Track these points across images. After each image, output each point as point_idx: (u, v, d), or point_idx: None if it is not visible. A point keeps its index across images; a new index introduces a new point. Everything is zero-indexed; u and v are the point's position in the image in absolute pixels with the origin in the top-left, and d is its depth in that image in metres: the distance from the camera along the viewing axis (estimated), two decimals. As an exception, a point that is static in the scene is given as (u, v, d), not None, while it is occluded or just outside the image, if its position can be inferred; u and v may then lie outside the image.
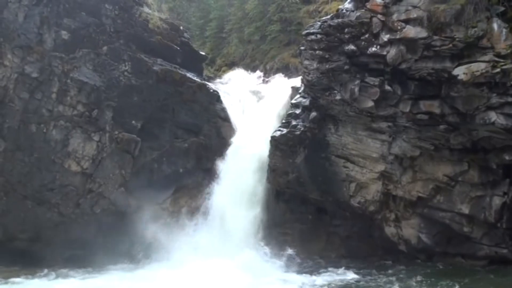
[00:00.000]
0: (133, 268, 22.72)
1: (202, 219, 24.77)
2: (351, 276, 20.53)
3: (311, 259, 23.08)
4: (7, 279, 20.80)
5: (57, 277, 21.38)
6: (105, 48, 25.07)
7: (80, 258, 23.20)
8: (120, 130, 24.67)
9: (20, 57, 23.63)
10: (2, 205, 23.31)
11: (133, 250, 23.40)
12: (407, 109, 20.51)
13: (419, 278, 19.22)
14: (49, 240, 23.58)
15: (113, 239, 23.32)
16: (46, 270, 21.91)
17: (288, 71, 32.53)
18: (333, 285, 19.48)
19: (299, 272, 21.58)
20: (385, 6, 20.10)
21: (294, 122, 24.00)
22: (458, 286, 17.59)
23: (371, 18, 20.30)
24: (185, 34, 29.67)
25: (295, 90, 25.82)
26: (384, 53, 20.13)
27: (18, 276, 21.10)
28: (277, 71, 34.25)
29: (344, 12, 20.99)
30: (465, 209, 20.85)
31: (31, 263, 22.41)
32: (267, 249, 23.10)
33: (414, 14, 19.50)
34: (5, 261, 22.41)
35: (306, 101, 23.98)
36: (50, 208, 23.93)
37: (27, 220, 23.62)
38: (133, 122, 24.98)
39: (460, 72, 18.74)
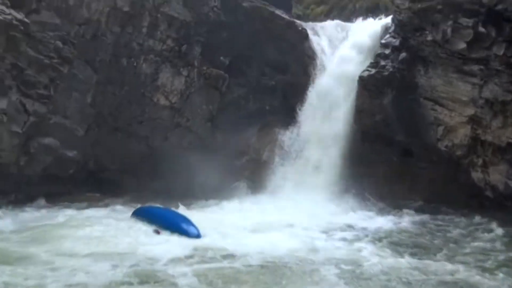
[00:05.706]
0: (218, 202, 22.86)
1: (286, 157, 24.93)
2: (435, 219, 20.40)
3: (395, 201, 22.99)
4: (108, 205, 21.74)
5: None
6: (195, -17, 25.10)
7: (166, 191, 23.41)
8: (208, 66, 24.86)
9: (112, -10, 23.93)
10: (94, 135, 23.77)
11: (218, 185, 23.66)
12: (501, 52, 19.88)
13: (504, 226, 18.95)
14: (137, 172, 24.09)
15: (199, 174, 23.68)
16: (136, 203, 22.01)
17: (378, 11, 31.93)
18: (416, 226, 19.48)
19: (381, 213, 21.67)
20: None
21: (383, 63, 23.62)
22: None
23: (468, -45, 19.67)
24: (275, -30, 29.40)
25: (385, 29, 25.42)
26: (480, -7, 19.53)
27: (111, 204, 21.83)
28: (367, 10, 33.67)
29: (440, -51, 20.38)
30: (557, 156, 20.34)
31: (120, 193, 23.03)
32: (350, 189, 23.23)
33: (515, -50, 18.72)
34: (96, 190, 23.20)
35: (396, 42, 23.57)
36: (139, 140, 24.47)
37: (117, 152, 24.13)
38: (221, 58, 25.10)
39: (561, 13, 17.99)
